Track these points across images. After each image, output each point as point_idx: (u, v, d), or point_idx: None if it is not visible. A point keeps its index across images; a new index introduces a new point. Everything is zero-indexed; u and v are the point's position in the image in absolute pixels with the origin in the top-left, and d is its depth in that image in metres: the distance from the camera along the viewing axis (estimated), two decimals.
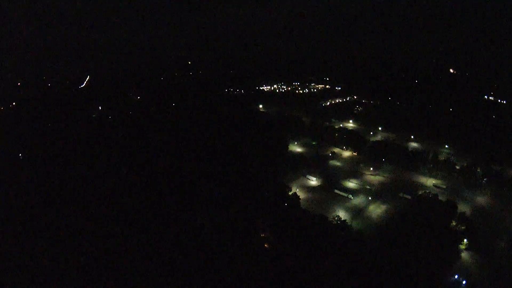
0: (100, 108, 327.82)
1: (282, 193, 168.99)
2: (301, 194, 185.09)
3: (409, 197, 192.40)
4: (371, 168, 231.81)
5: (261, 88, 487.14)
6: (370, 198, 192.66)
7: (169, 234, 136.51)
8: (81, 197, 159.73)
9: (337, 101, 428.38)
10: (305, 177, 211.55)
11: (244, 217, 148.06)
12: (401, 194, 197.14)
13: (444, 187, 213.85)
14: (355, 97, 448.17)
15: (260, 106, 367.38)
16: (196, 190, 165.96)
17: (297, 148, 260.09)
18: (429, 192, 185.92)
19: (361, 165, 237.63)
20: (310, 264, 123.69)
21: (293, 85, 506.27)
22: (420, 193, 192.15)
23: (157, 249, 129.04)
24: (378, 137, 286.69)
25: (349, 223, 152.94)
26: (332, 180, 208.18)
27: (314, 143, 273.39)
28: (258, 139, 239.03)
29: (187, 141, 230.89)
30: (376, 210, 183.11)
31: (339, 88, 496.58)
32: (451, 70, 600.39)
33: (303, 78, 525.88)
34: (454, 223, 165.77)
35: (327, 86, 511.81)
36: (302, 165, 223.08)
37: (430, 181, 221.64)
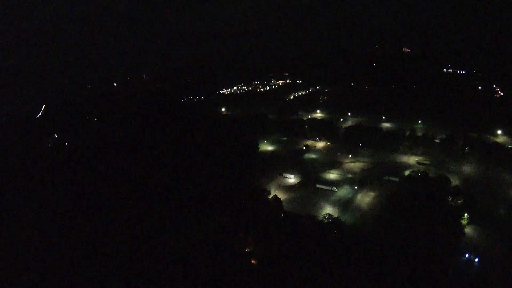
0: (56, 136, 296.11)
1: (262, 198, 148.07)
2: (281, 195, 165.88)
3: (396, 179, 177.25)
4: (350, 156, 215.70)
5: (221, 92, 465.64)
6: (356, 187, 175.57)
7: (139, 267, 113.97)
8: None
9: (301, 93, 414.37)
10: (282, 175, 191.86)
11: (224, 232, 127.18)
12: (386, 178, 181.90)
13: (428, 162, 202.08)
14: (317, 87, 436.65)
15: (223, 109, 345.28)
16: (166, 207, 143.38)
17: (268, 147, 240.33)
18: (418, 171, 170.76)
19: (338, 153, 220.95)
20: (308, 275, 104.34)
21: (253, 84, 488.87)
22: (407, 173, 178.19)
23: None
24: (349, 123, 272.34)
25: (340, 219, 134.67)
26: (311, 175, 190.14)
27: (284, 138, 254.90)
28: (225, 144, 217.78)
29: (151, 157, 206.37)
30: (365, 198, 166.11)
31: (300, 81, 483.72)
32: (406, 49, 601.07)
33: (262, 76, 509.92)
34: (450, 199, 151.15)
35: (288, 81, 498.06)
36: (277, 164, 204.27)
37: (412, 159, 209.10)
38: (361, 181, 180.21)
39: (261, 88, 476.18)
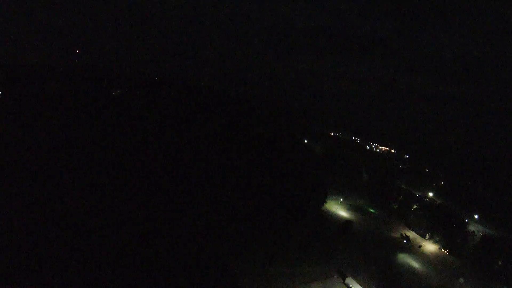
0: None
1: None
2: None
3: None
4: None
5: (316, 131, 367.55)
6: None
7: None
8: None
9: (406, 167, 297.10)
10: (343, 280, 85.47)
11: None
12: None
13: None
14: (426, 170, 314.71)
15: (305, 140, 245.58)
16: None
17: (339, 211, 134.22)
18: None
19: (461, 280, 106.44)
20: None
21: (352, 138, 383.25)
22: None
23: None
24: (473, 230, 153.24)
25: None
26: None
27: (372, 210, 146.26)
28: (277, 180, 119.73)
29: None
30: None
31: (407, 157, 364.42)
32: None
33: (363, 135, 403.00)
34: None
35: (392, 151, 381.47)
36: (342, 250, 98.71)
37: None
38: None
39: (359, 144, 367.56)
